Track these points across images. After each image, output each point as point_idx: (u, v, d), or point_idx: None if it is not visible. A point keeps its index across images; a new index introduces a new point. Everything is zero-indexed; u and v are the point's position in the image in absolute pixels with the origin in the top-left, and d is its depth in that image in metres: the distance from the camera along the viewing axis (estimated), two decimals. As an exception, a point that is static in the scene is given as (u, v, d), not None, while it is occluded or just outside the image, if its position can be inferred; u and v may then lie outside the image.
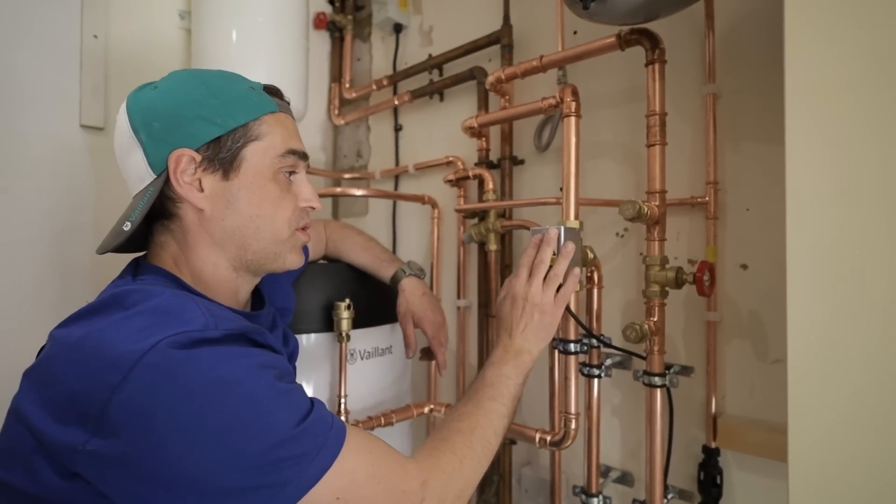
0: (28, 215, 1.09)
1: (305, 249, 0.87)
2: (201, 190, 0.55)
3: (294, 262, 0.62)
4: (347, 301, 0.94)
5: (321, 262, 1.02)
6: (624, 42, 0.86)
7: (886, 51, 0.46)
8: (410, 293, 0.92)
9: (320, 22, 1.64)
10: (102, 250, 0.56)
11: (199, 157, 0.54)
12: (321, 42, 1.69)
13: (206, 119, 0.54)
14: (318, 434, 0.46)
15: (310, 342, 0.97)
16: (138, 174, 0.56)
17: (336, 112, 1.65)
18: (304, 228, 0.62)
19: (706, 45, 0.91)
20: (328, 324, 0.96)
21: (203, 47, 1.29)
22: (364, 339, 1.02)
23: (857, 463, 0.46)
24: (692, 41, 0.94)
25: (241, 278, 0.61)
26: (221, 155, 0.55)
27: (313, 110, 1.65)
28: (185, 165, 0.54)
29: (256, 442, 0.43)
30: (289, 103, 0.63)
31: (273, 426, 0.44)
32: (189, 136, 0.54)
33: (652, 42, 0.83)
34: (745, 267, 0.89)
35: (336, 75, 1.66)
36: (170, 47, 1.35)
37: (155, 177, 0.54)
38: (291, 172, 0.60)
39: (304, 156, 0.61)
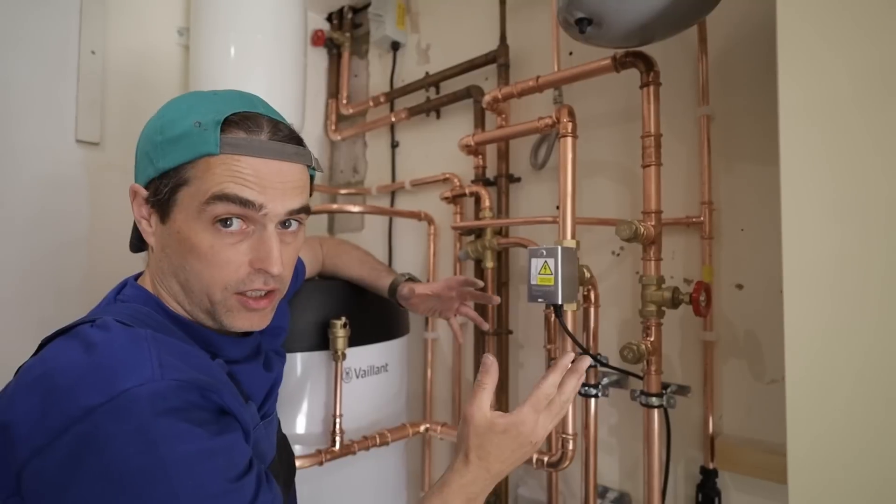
0: (20, 229, 1.08)
1: (301, 272, 0.86)
2: (150, 226, 0.54)
3: (238, 325, 0.54)
4: (344, 319, 0.93)
5: (316, 279, 1.01)
6: (619, 64, 0.87)
7: (879, 69, 0.47)
8: (414, 288, 0.92)
9: (318, 39, 1.65)
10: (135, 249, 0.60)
11: (144, 193, 0.53)
12: (319, 58, 1.70)
13: (148, 157, 0.52)
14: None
15: (305, 360, 0.96)
16: None
17: (333, 128, 1.66)
18: (264, 296, 0.54)
19: (700, 68, 0.92)
20: (324, 342, 0.95)
21: (201, 64, 1.29)
22: (360, 357, 1.01)
23: (857, 483, 0.46)
24: (686, 64, 0.96)
25: (202, 313, 0.56)
26: (158, 197, 0.51)
27: (310, 126, 1.66)
28: (139, 200, 0.53)
29: None
30: (271, 135, 0.52)
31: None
32: (139, 172, 0.54)
33: (647, 65, 0.84)
34: (740, 287, 0.89)
35: (333, 91, 1.67)
36: (167, 64, 1.35)
37: None
38: (228, 221, 0.50)
39: (240, 201, 0.49)
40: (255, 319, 0.54)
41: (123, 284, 0.58)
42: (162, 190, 0.51)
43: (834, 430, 0.47)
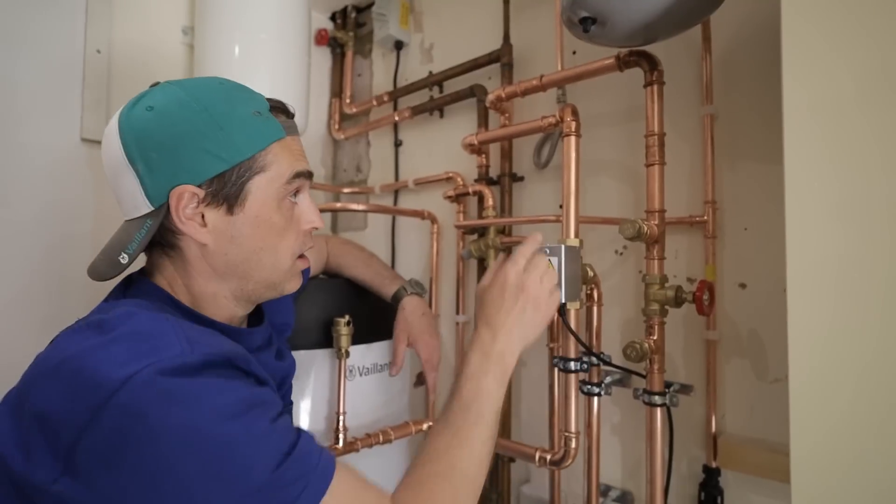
0: (25, 227, 1.09)
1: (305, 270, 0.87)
2: (204, 224, 0.53)
3: (292, 287, 0.61)
4: (347, 318, 0.94)
5: (321, 277, 1.02)
6: (623, 63, 0.87)
7: (882, 69, 0.47)
8: (410, 312, 0.92)
9: (322, 38, 1.66)
10: (99, 278, 0.54)
11: (202, 193, 0.51)
12: (322, 58, 1.70)
13: (210, 153, 0.51)
14: (300, 476, 0.44)
15: (309, 358, 0.96)
16: (133, 201, 0.53)
17: (336, 127, 1.67)
18: (302, 256, 0.61)
19: (703, 67, 0.92)
20: (328, 340, 0.96)
21: (205, 63, 1.30)
22: (363, 355, 1.02)
23: (860, 482, 0.46)
24: (690, 63, 0.96)
25: (239, 305, 0.60)
26: (226, 190, 0.52)
27: (314, 125, 1.66)
28: (187, 202, 0.51)
29: (230, 490, 0.41)
30: (293, 115, 0.60)
31: (249, 472, 0.42)
32: (191, 171, 0.51)
33: (650, 64, 0.84)
34: (743, 286, 0.89)
35: (337, 91, 1.68)
36: (172, 63, 1.36)
37: (153, 209, 0.52)
38: (296, 193, 0.58)
39: (309, 174, 0.58)
40: (300, 280, 0.62)
41: (128, 281, 0.58)
42: (235, 181, 0.52)
43: (837, 429, 0.47)
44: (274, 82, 1.31)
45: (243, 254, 0.55)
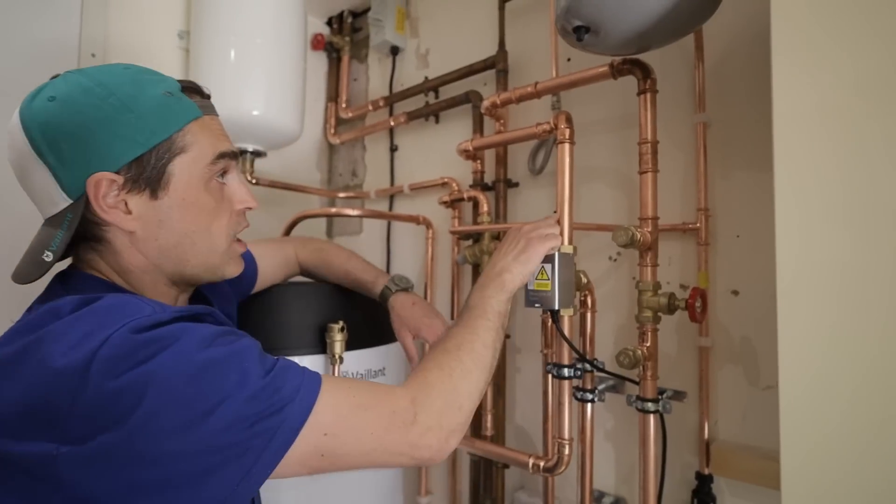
0: (23, 231, 1.08)
1: (250, 256, 0.83)
2: (128, 212, 0.51)
3: (233, 271, 0.60)
4: (341, 323, 0.94)
5: (310, 282, 1.01)
6: (616, 72, 0.88)
7: (869, 79, 0.47)
8: (401, 307, 0.90)
9: (318, 43, 1.66)
10: (24, 280, 0.52)
11: (121, 179, 0.49)
12: (318, 62, 1.71)
13: (123, 137, 0.49)
14: (292, 377, 0.46)
15: (302, 363, 0.96)
16: (48, 197, 0.51)
17: (332, 131, 1.67)
18: (239, 240, 0.60)
19: (696, 76, 0.93)
20: (321, 345, 0.95)
21: (200, 67, 1.30)
22: (357, 360, 1.02)
23: (851, 490, 0.46)
24: (683, 71, 0.97)
25: (179, 290, 0.59)
26: (146, 174, 0.50)
27: (310, 129, 1.66)
28: (105, 189, 0.49)
29: (228, 403, 0.42)
30: (209, 97, 0.58)
31: (242, 382, 0.43)
32: (106, 158, 0.49)
33: (644, 72, 0.85)
34: (736, 293, 0.90)
35: (333, 95, 1.68)
36: (167, 67, 1.35)
37: (71, 202, 0.50)
38: (223, 174, 0.57)
39: (234, 155, 0.57)
40: (241, 264, 0.61)
41: (62, 277, 0.55)
42: (154, 164, 0.51)
43: (828, 437, 0.48)
44: (269, 87, 1.31)
45: (175, 237, 0.53)
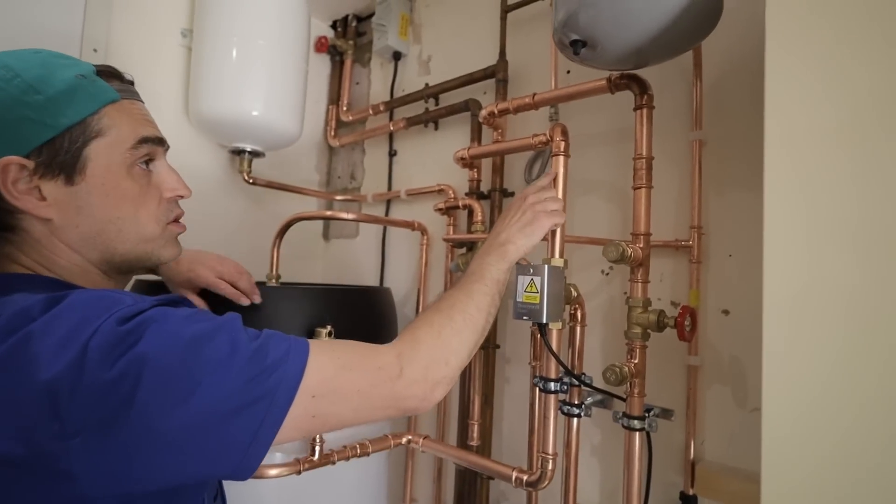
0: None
1: None
2: (42, 199, 0.49)
3: (170, 254, 0.58)
4: (329, 328, 0.93)
5: (302, 284, 1.01)
6: (614, 86, 0.87)
7: (863, 102, 0.47)
8: (178, 262, 0.78)
9: (321, 45, 1.67)
10: None
11: (31, 164, 0.47)
12: (321, 65, 1.71)
13: (31, 119, 0.47)
14: (280, 341, 0.47)
15: (288, 367, 0.95)
16: None
17: (332, 134, 1.67)
18: (176, 220, 0.59)
19: (694, 93, 0.93)
20: (308, 349, 0.95)
21: (201, 65, 1.30)
22: (344, 365, 1.01)
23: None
24: (681, 88, 0.97)
25: (113, 279, 0.57)
26: (59, 158, 0.48)
27: (310, 131, 1.66)
28: (15, 175, 0.47)
29: (228, 364, 0.43)
30: (132, 83, 0.56)
31: (236, 346, 0.44)
32: (14, 141, 0.47)
33: (641, 88, 0.85)
34: (726, 312, 0.89)
35: (334, 98, 1.68)
36: (169, 64, 1.36)
37: None
38: (149, 161, 0.55)
39: (160, 141, 0.55)
40: (179, 248, 0.60)
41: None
42: (68, 148, 0.49)
43: (810, 463, 0.47)
44: (270, 87, 1.31)
45: (97, 224, 0.51)
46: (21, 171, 0.47)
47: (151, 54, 1.33)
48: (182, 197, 0.59)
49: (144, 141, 0.53)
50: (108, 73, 0.53)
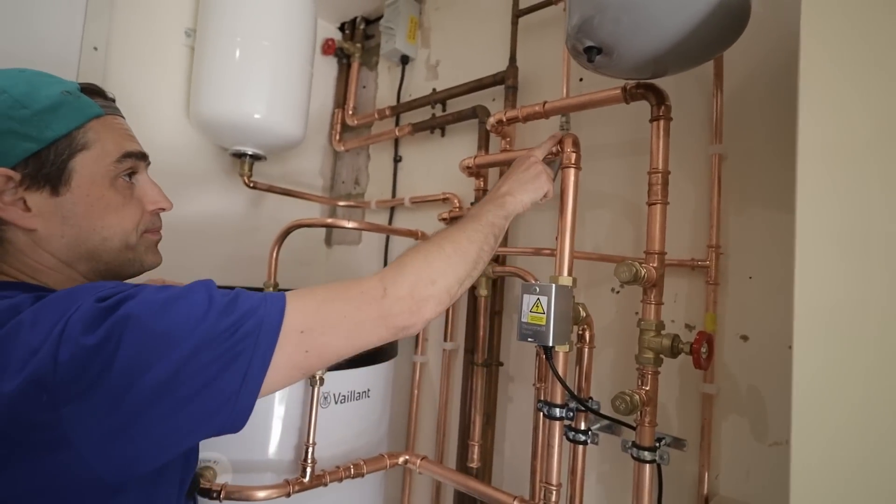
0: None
1: None
2: (27, 209, 0.50)
3: (152, 261, 0.60)
4: (324, 343, 0.89)
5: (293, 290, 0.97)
6: (629, 96, 0.83)
7: None
8: None
9: (329, 48, 1.64)
10: None
11: (17, 176, 0.49)
12: (328, 67, 1.68)
13: (18, 133, 0.49)
14: (253, 295, 0.48)
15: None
16: None
17: (337, 138, 1.63)
18: (156, 229, 0.61)
19: (714, 105, 0.88)
20: (302, 364, 0.91)
21: (203, 65, 1.27)
22: (340, 381, 0.97)
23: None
24: (700, 99, 0.92)
25: None
26: (45, 170, 0.50)
27: (315, 134, 1.63)
28: (1, 186, 0.49)
29: (206, 315, 0.44)
30: (114, 100, 0.59)
31: (211, 299, 0.45)
32: (1, 154, 0.49)
33: (658, 98, 0.80)
34: (745, 338, 0.84)
35: (340, 101, 1.65)
36: (170, 64, 1.33)
37: None
38: (131, 174, 0.57)
39: (142, 156, 0.58)
40: (159, 256, 0.61)
41: None
42: (54, 161, 0.50)
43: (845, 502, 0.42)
44: (273, 90, 1.28)
45: (82, 233, 0.53)
46: (7, 183, 0.49)
47: (153, 53, 1.30)
48: (164, 210, 0.60)
49: (128, 155, 0.56)
50: (92, 91, 0.56)
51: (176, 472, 0.57)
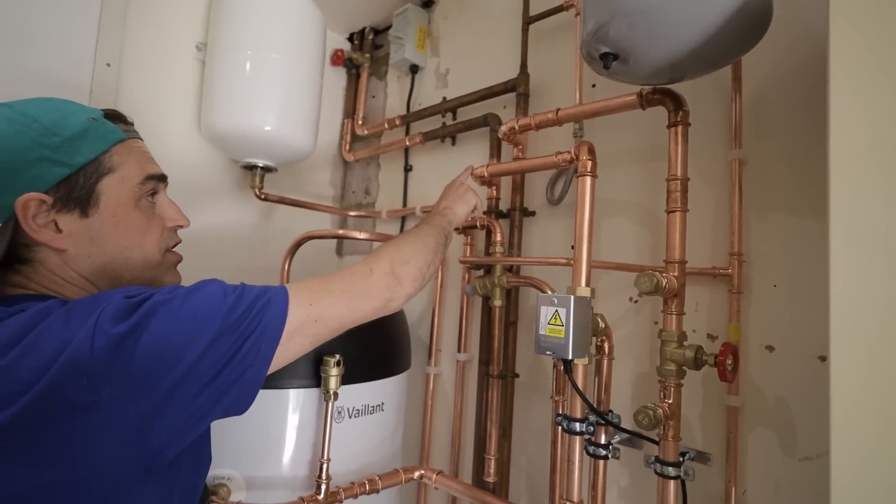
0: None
1: None
2: (59, 231, 0.53)
3: (172, 280, 0.63)
4: (338, 357, 0.88)
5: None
6: (645, 101, 0.81)
7: None
8: None
9: (338, 58, 1.64)
10: None
11: (49, 199, 0.52)
12: (337, 77, 1.68)
13: (51, 160, 0.51)
14: (258, 287, 0.53)
15: (295, 397, 0.90)
16: None
17: (347, 148, 1.63)
18: (174, 248, 0.64)
19: (733, 109, 0.86)
20: (315, 378, 0.90)
21: (213, 79, 1.28)
22: (354, 395, 0.96)
23: None
24: (718, 103, 0.90)
25: None
26: (75, 194, 0.53)
27: (325, 145, 1.63)
28: (35, 210, 0.51)
29: (223, 301, 0.49)
30: (132, 124, 0.62)
31: (224, 289, 0.51)
32: (34, 180, 0.51)
33: (675, 103, 0.78)
34: (770, 349, 0.81)
35: (350, 111, 1.65)
36: (183, 78, 1.34)
37: None
38: (153, 194, 0.61)
39: (162, 177, 0.62)
40: (179, 275, 0.65)
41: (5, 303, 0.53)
42: (83, 184, 0.54)
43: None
44: (283, 103, 1.28)
45: (108, 253, 0.56)
46: (40, 207, 0.52)
47: (165, 68, 1.31)
48: (181, 227, 0.64)
49: (151, 178, 0.59)
50: (114, 116, 0.60)
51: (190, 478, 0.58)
